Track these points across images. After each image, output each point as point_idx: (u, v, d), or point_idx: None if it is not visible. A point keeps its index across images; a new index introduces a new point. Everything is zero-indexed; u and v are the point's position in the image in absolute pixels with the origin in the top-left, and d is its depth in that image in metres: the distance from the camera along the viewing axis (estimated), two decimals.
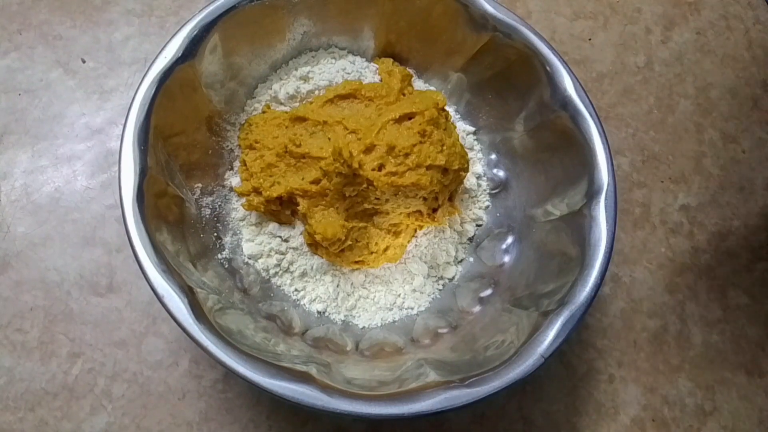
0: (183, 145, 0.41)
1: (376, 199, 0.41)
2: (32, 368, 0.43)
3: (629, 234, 0.50)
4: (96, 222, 0.46)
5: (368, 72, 0.47)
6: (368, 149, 0.40)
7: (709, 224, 0.51)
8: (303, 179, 0.40)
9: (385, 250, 0.44)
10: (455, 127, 0.43)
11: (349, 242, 0.41)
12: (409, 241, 0.44)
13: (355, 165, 0.39)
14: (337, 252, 0.42)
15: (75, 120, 0.49)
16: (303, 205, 0.40)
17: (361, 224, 0.42)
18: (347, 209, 0.41)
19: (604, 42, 0.57)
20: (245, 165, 0.43)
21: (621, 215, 0.50)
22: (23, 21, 0.52)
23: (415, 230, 0.44)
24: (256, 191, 0.41)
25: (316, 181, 0.40)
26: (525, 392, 0.45)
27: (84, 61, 0.51)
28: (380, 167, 0.40)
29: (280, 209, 0.42)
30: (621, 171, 0.52)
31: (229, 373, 0.43)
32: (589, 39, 0.57)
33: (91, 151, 0.48)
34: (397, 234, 0.44)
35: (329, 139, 0.41)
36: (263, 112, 0.45)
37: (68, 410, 0.42)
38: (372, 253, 0.43)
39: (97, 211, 0.47)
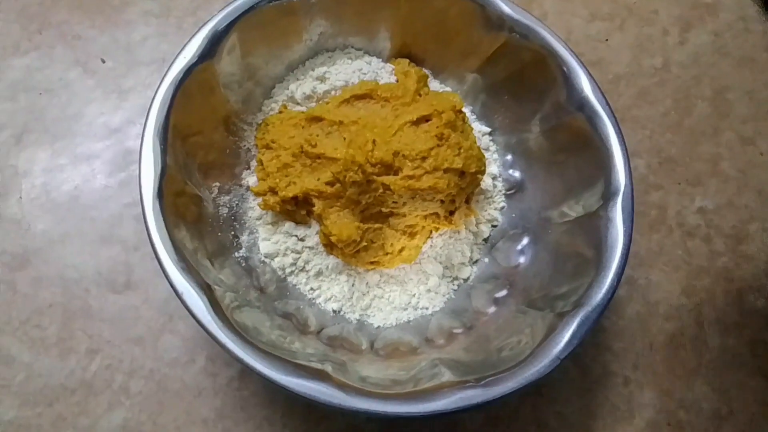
0: (201, 144, 0.41)
1: (393, 202, 0.41)
2: (51, 364, 0.43)
3: (645, 236, 0.50)
4: (114, 220, 0.47)
5: (384, 72, 0.47)
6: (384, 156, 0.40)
7: (726, 227, 0.51)
8: (318, 180, 0.40)
9: (401, 251, 0.44)
10: (472, 129, 0.43)
11: (364, 243, 0.42)
12: (424, 243, 0.44)
13: (370, 171, 0.39)
14: (352, 253, 0.42)
15: (93, 119, 0.50)
16: (318, 205, 0.41)
17: (377, 225, 0.42)
18: (362, 211, 0.41)
19: (620, 43, 0.56)
20: (261, 164, 0.43)
21: (637, 218, 0.50)
22: (43, 21, 0.52)
23: (431, 231, 0.44)
24: (272, 191, 0.42)
25: (331, 183, 0.40)
26: (539, 394, 0.45)
27: (103, 61, 0.51)
28: (397, 171, 0.40)
29: (296, 209, 0.42)
30: (637, 173, 0.52)
31: (245, 371, 0.43)
32: (606, 40, 0.57)
33: (110, 149, 0.49)
34: (412, 235, 0.44)
35: (344, 138, 0.41)
36: (280, 112, 0.45)
37: (86, 406, 0.42)
38: (387, 254, 0.44)
39: (115, 210, 0.47)
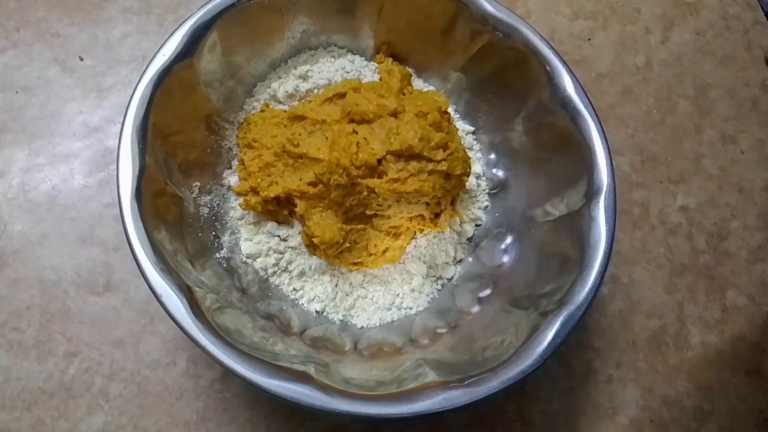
0: (181, 143, 0.41)
1: (377, 205, 0.41)
2: (29, 367, 0.42)
3: (628, 234, 0.50)
4: (93, 220, 0.46)
5: (367, 71, 0.47)
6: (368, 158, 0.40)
7: (708, 225, 0.51)
8: (301, 180, 0.40)
9: (384, 251, 0.44)
10: (457, 130, 0.43)
11: (348, 244, 0.41)
12: (408, 243, 0.44)
13: (354, 174, 0.39)
14: (335, 254, 0.42)
15: (72, 118, 0.49)
16: (300, 206, 0.40)
17: (360, 226, 0.42)
18: (346, 212, 0.41)
19: (603, 42, 0.57)
20: (243, 164, 0.42)
21: (620, 216, 0.50)
22: (21, 18, 0.51)
23: (415, 232, 0.44)
24: (254, 191, 0.41)
25: (314, 183, 0.40)
26: (523, 393, 0.45)
27: (82, 59, 0.51)
28: (381, 174, 0.40)
29: (278, 209, 0.42)
30: (620, 171, 0.52)
31: (227, 373, 0.43)
32: (589, 39, 0.57)
33: (89, 149, 0.48)
34: (396, 236, 0.44)
35: (327, 138, 0.40)
36: (262, 110, 0.45)
37: (65, 409, 0.42)
38: (371, 254, 0.43)
39: (94, 210, 0.46)
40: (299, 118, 0.42)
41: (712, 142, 0.54)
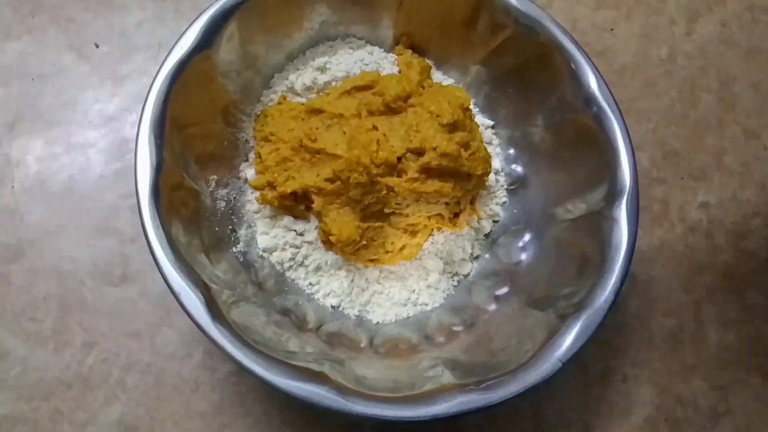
0: (198, 136, 0.40)
1: (396, 204, 0.41)
2: (46, 358, 0.43)
3: (647, 232, 0.50)
4: (110, 211, 0.46)
5: (386, 63, 0.46)
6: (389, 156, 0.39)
7: (729, 222, 0.50)
8: (318, 176, 0.39)
9: (401, 249, 0.43)
10: (479, 127, 0.42)
11: (364, 242, 0.41)
12: (425, 241, 0.44)
13: (374, 172, 0.38)
14: (352, 251, 0.41)
15: (89, 106, 0.48)
16: (317, 202, 0.40)
17: (377, 224, 0.42)
18: (363, 209, 0.41)
19: (626, 33, 0.55)
20: (260, 158, 0.42)
21: (639, 212, 0.49)
22: (36, 4, 0.51)
23: (432, 230, 0.44)
24: (270, 185, 0.41)
25: (331, 179, 0.39)
26: (538, 390, 0.44)
27: (97, 46, 0.50)
28: (401, 173, 0.39)
29: (295, 204, 0.42)
30: (640, 167, 0.51)
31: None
32: (612, 29, 0.55)
33: (105, 138, 0.48)
34: (414, 234, 0.43)
35: (344, 133, 0.40)
36: (279, 103, 0.44)
37: (82, 400, 0.42)
38: (388, 252, 0.43)
39: (111, 200, 0.46)
40: (316, 111, 0.42)
41: (734, 138, 0.53)
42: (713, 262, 0.49)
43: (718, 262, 0.49)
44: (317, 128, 0.41)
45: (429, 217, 0.43)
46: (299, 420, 0.43)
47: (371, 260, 0.43)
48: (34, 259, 0.45)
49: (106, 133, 0.48)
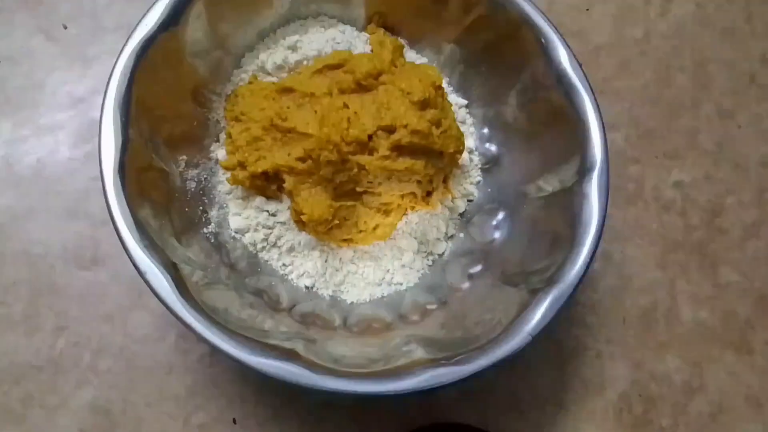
0: (167, 116, 0.40)
1: (368, 182, 0.40)
2: (17, 342, 0.42)
3: (621, 210, 0.50)
4: (80, 194, 0.45)
5: (359, 42, 0.45)
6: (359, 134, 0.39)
7: (702, 201, 0.51)
8: (289, 155, 0.39)
9: (375, 228, 0.43)
10: (451, 106, 0.42)
11: (337, 221, 0.41)
12: (399, 220, 0.43)
13: (345, 150, 0.38)
14: (325, 231, 0.41)
15: (57, 88, 0.48)
16: (289, 182, 0.39)
17: (350, 203, 0.42)
18: (335, 188, 0.40)
19: (601, 13, 0.55)
20: (231, 138, 0.42)
21: (614, 191, 0.49)
22: None
23: (406, 209, 0.44)
24: (242, 165, 0.40)
25: (302, 159, 0.39)
26: (513, 367, 0.45)
27: (66, 27, 0.49)
28: (372, 151, 0.39)
29: (266, 184, 0.41)
30: (615, 146, 0.51)
31: (216, 348, 0.43)
32: (587, 9, 0.55)
33: (74, 120, 0.47)
34: (387, 213, 0.43)
35: (316, 112, 0.39)
36: (249, 82, 0.44)
37: (54, 384, 0.42)
38: (361, 231, 0.43)
39: (81, 183, 0.46)
40: (288, 90, 0.41)
41: (709, 117, 0.53)
42: (687, 240, 0.50)
43: (692, 239, 0.50)
44: (288, 107, 0.40)
45: (402, 196, 0.42)
46: (274, 400, 0.43)
47: (344, 240, 0.43)
48: (3, 243, 0.44)
49: (74, 115, 0.47)
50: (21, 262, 0.44)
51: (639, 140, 0.52)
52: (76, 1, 0.50)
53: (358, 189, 0.41)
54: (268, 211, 0.42)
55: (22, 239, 0.44)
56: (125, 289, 0.44)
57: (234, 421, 0.42)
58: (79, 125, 0.47)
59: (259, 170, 0.40)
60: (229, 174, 0.42)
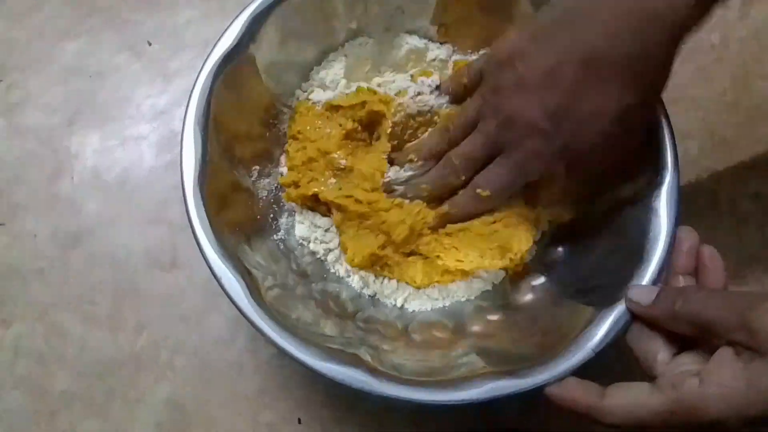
0: (242, 130, 0.41)
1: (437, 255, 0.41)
2: (102, 338, 0.45)
3: (694, 223, 0.48)
4: (161, 201, 0.48)
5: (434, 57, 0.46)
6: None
7: None
8: (340, 190, 0.40)
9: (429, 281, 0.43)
10: None
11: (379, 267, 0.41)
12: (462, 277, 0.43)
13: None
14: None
15: (141, 102, 0.51)
16: (336, 217, 0.40)
17: (403, 260, 0.42)
18: (388, 240, 0.40)
19: None
20: (289, 155, 0.43)
21: (686, 203, 0.48)
22: (92, 5, 0.54)
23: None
24: (295, 184, 0.42)
25: (357, 200, 0.39)
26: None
27: (150, 44, 0.52)
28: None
29: (317, 204, 0.42)
30: (688, 156, 0.49)
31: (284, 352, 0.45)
32: None
33: (156, 131, 0.50)
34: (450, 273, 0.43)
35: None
36: (308, 99, 0.45)
37: (134, 379, 0.45)
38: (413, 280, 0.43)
39: (161, 191, 0.49)
40: (336, 108, 0.42)
41: None
42: (765, 254, 0.47)
43: None
44: (348, 148, 0.41)
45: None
46: (338, 403, 0.44)
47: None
48: (91, 246, 0.47)
49: (157, 126, 0.50)
50: (107, 264, 0.47)
51: (714, 150, 0.50)
52: (159, 20, 0.53)
53: (422, 252, 0.41)
54: (321, 227, 0.43)
55: (108, 243, 0.47)
56: (201, 291, 0.46)
57: (299, 421, 0.44)
58: (160, 136, 0.50)
59: (309, 193, 0.41)
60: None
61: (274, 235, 0.43)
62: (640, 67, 0.32)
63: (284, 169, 0.45)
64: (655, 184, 0.36)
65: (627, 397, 0.29)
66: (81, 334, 0.45)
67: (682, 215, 0.36)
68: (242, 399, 0.44)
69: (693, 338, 0.30)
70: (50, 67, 0.52)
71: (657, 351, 0.30)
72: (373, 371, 0.33)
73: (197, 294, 0.46)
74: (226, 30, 0.38)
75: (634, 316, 0.32)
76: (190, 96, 0.37)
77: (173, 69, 0.52)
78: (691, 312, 0.29)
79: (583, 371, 0.33)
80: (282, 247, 0.43)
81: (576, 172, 0.36)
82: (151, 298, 0.46)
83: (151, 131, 0.50)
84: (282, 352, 0.33)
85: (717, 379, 0.26)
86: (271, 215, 0.44)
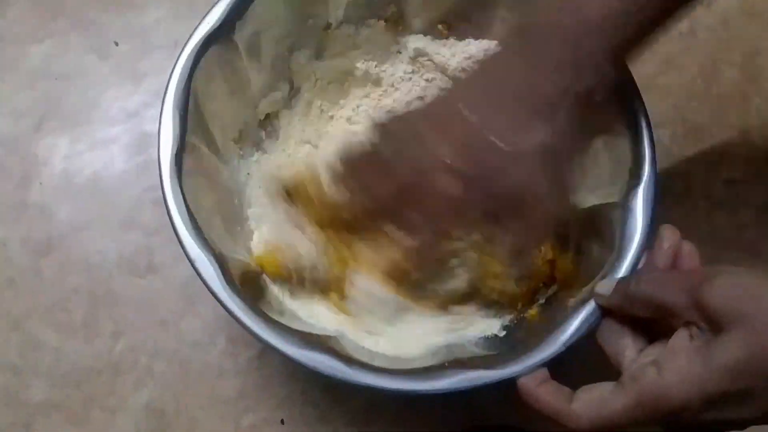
0: (221, 110, 0.40)
1: None
2: (78, 347, 0.45)
3: (669, 210, 0.48)
4: (134, 205, 0.48)
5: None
6: None
7: (754, 199, 0.49)
8: None
9: None
10: None
11: None
12: None
13: None
14: None
15: (110, 104, 0.50)
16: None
17: None
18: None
19: None
20: None
21: (660, 190, 0.49)
22: (57, 8, 0.52)
23: None
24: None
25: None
26: (560, 374, 0.44)
27: (117, 44, 0.52)
28: None
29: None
30: (661, 145, 0.49)
31: (265, 351, 0.44)
32: None
33: (127, 134, 0.49)
34: None
35: None
36: None
37: (113, 386, 0.44)
38: None
39: (134, 194, 0.48)
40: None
41: (759, 112, 0.51)
42: (738, 239, 0.48)
43: (744, 239, 0.48)
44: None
45: None
46: (321, 402, 0.44)
47: None
48: (63, 253, 0.46)
49: (127, 129, 0.49)
50: (80, 271, 0.46)
51: (686, 137, 0.51)
52: (127, 20, 0.52)
53: None
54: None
55: (81, 249, 0.47)
56: (178, 296, 0.45)
57: (282, 422, 0.44)
58: (131, 139, 0.49)
59: None
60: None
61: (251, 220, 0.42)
62: None
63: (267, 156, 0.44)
64: (633, 184, 0.36)
65: (591, 399, 0.29)
66: (56, 344, 0.45)
67: (657, 205, 0.36)
68: (223, 402, 0.44)
69: (655, 324, 0.30)
70: (16, 72, 0.51)
71: (625, 347, 0.30)
72: (344, 359, 0.32)
73: (174, 298, 0.45)
74: (209, 11, 0.37)
75: (602, 313, 0.32)
76: (171, 73, 0.36)
77: (142, 70, 0.51)
78: (645, 293, 0.29)
79: (557, 365, 0.33)
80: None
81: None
82: (128, 304, 0.45)
83: (121, 134, 0.49)
84: (255, 337, 0.32)
85: (673, 365, 0.26)
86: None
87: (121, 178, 0.48)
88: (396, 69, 0.46)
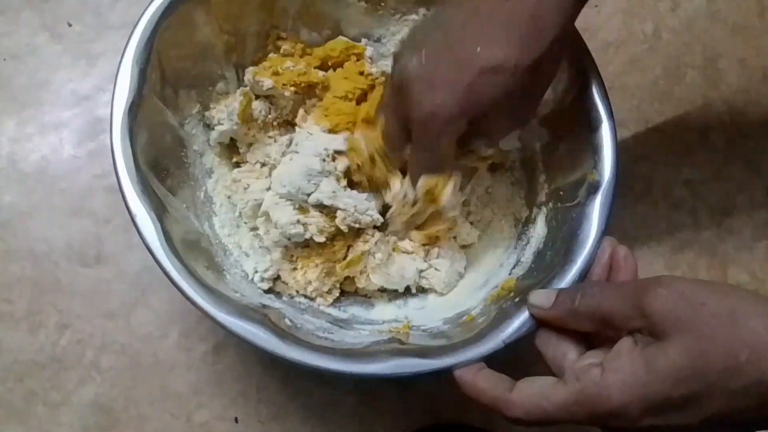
0: (183, 69, 0.39)
1: None
2: (20, 339, 0.43)
3: (630, 209, 0.49)
4: (84, 192, 0.46)
5: None
6: None
7: (713, 199, 0.50)
8: None
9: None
10: None
11: None
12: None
13: None
14: None
15: (61, 86, 0.48)
16: None
17: None
18: None
19: (611, 9, 0.54)
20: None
21: (622, 190, 0.49)
22: None
23: None
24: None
25: None
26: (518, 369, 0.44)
27: (70, 25, 0.49)
28: None
29: None
30: (623, 144, 0.50)
31: (219, 346, 0.43)
32: (596, 6, 0.54)
33: (79, 118, 0.47)
34: None
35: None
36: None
37: (57, 381, 0.42)
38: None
39: (84, 181, 0.46)
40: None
41: (719, 115, 0.52)
42: (696, 239, 0.49)
43: (702, 239, 0.49)
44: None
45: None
46: (276, 398, 0.43)
47: None
48: (7, 240, 0.44)
49: (79, 113, 0.47)
50: (25, 260, 0.44)
51: (648, 137, 0.51)
52: None
53: None
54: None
55: (26, 237, 0.44)
56: (128, 286, 0.44)
57: (236, 420, 0.42)
58: (83, 123, 0.47)
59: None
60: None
61: (198, 192, 0.40)
62: None
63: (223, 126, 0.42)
64: (592, 189, 0.36)
65: (532, 389, 0.29)
66: None
67: (618, 204, 0.36)
68: (175, 398, 0.42)
69: (598, 336, 0.30)
70: None
71: (566, 352, 0.30)
72: (279, 332, 0.31)
73: (125, 289, 0.44)
74: None
75: (538, 322, 0.32)
76: (135, 27, 0.35)
77: (96, 52, 0.49)
78: (590, 306, 0.29)
79: (492, 359, 0.32)
80: (203, 198, 0.40)
81: None
82: (74, 295, 0.43)
83: (72, 118, 0.47)
84: (187, 299, 0.31)
85: (616, 367, 0.26)
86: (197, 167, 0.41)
87: (71, 164, 0.46)
88: None
